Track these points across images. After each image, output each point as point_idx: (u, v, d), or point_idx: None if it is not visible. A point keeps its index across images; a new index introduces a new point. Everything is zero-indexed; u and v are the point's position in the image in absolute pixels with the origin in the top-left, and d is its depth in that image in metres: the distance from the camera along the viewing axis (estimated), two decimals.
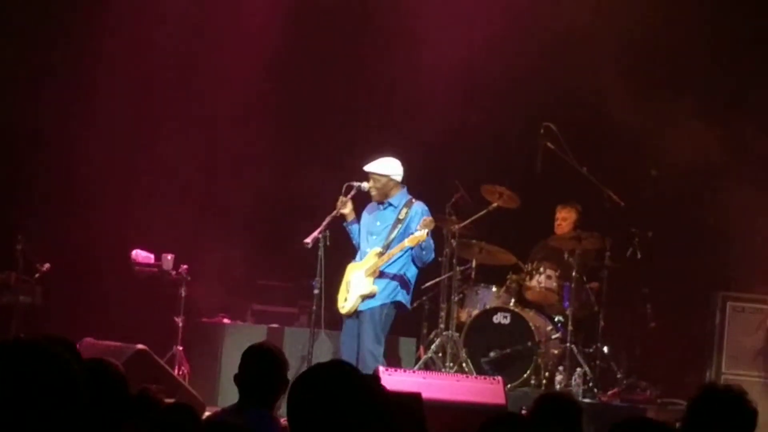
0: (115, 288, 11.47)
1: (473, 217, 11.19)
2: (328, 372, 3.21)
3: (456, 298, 11.15)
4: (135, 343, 9.09)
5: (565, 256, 11.38)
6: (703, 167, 11.35)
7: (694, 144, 11.14)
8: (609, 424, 3.60)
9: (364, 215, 10.09)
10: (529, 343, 10.95)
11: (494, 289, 11.40)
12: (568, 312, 11.14)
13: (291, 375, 4.71)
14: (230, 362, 9.35)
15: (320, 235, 9.81)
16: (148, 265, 11.26)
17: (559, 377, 10.97)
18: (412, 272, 9.94)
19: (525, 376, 10.87)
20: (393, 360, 10.61)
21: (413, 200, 9.97)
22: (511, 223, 11.56)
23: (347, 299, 9.92)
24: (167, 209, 11.64)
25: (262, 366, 5.30)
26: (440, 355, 10.95)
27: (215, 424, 4.37)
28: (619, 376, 11.23)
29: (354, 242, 10.13)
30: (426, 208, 9.95)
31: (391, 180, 9.94)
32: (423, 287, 11.03)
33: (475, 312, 11.16)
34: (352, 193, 9.97)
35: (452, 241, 11.09)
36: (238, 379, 5.33)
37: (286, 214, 12.04)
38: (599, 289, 11.33)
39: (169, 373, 9.49)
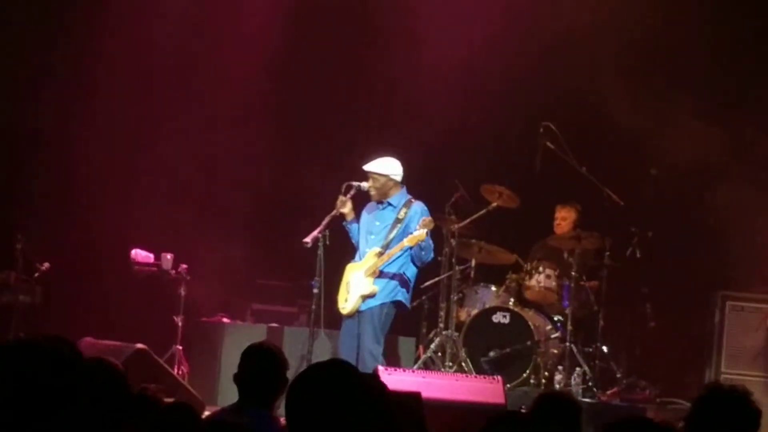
0: (114, 287, 11.47)
1: (473, 217, 11.18)
2: (326, 371, 3.21)
3: (455, 298, 11.15)
4: (135, 342, 9.08)
5: (565, 255, 11.38)
6: (703, 167, 11.36)
7: (694, 144, 11.14)
8: (608, 423, 3.60)
9: (364, 215, 10.09)
10: (529, 343, 10.94)
11: (494, 288, 11.39)
12: (567, 311, 11.13)
13: (290, 374, 4.71)
14: (230, 362, 9.32)
15: (320, 235, 9.81)
16: (148, 264, 11.26)
17: (558, 377, 10.96)
18: (411, 271, 9.94)
19: (524, 375, 10.86)
20: (392, 359, 10.60)
21: (412, 200, 9.97)
22: (511, 223, 11.56)
23: (348, 300, 9.92)
24: (167, 209, 11.64)
25: (261, 365, 5.30)
26: (440, 354, 10.94)
27: (215, 424, 4.37)
28: (618, 375, 11.22)
29: (353, 241, 10.13)
30: (425, 207, 9.95)
31: (391, 180, 9.94)
32: (422, 287, 11.02)
33: (475, 311, 11.15)
34: (352, 192, 9.97)
35: (452, 240, 11.08)
36: (237, 378, 5.33)
37: (285, 213, 12.05)
38: (599, 289, 11.31)
39: (168, 372, 9.49)
